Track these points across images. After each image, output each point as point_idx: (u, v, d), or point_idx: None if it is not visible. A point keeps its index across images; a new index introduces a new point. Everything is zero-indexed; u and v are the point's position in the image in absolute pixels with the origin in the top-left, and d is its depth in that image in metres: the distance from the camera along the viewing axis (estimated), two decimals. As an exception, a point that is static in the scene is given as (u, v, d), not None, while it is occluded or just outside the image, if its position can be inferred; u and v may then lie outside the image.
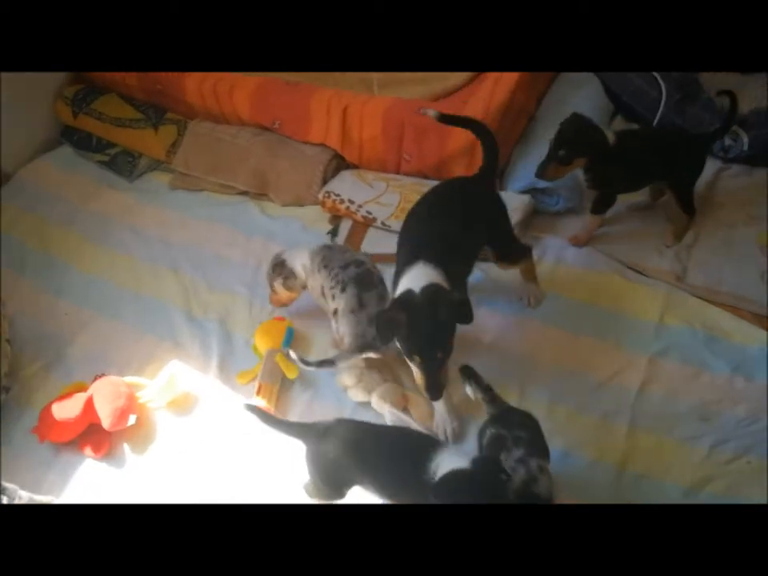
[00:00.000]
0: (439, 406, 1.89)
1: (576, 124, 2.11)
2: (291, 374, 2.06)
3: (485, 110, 2.37)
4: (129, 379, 2.05)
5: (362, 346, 1.94)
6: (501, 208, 2.03)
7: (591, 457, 1.84)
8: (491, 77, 2.53)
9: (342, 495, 1.68)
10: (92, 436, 1.97)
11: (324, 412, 2.00)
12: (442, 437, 1.89)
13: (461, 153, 2.41)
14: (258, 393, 1.99)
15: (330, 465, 1.63)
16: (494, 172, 2.07)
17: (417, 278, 1.73)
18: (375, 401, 1.97)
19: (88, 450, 1.95)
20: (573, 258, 2.32)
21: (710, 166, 2.40)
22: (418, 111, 2.40)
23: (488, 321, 2.14)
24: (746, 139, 2.47)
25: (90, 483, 1.93)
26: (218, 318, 2.27)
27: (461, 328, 1.72)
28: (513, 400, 1.80)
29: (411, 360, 1.70)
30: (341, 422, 1.68)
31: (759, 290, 2.16)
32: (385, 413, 1.95)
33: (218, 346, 2.19)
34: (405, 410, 1.96)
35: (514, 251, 2.10)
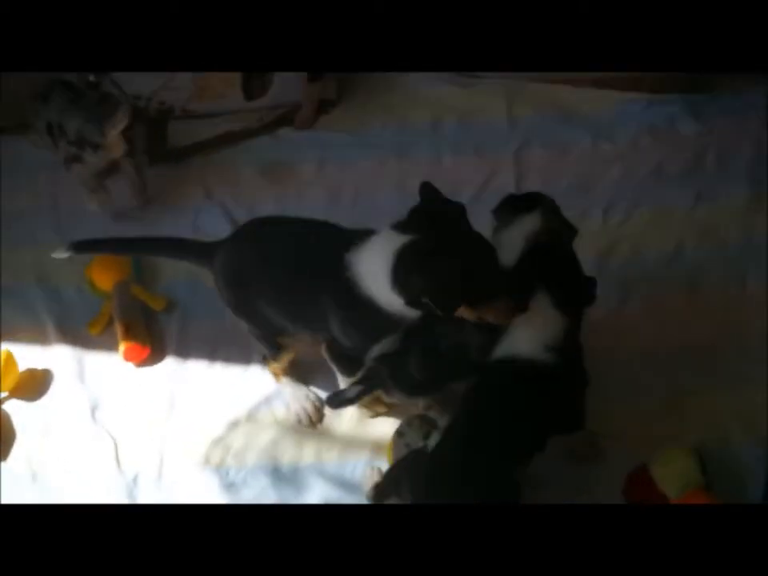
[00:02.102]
0: None
1: None
2: (158, 305, 1.76)
3: None
4: (-52, 379, 1.62)
5: None
6: None
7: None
8: None
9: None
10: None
11: (203, 336, 1.73)
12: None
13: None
14: (126, 335, 1.67)
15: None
16: None
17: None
18: None
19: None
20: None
21: None
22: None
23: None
24: None
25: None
26: (34, 277, 1.85)
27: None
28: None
29: None
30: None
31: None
32: None
33: (47, 308, 1.79)
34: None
35: None
